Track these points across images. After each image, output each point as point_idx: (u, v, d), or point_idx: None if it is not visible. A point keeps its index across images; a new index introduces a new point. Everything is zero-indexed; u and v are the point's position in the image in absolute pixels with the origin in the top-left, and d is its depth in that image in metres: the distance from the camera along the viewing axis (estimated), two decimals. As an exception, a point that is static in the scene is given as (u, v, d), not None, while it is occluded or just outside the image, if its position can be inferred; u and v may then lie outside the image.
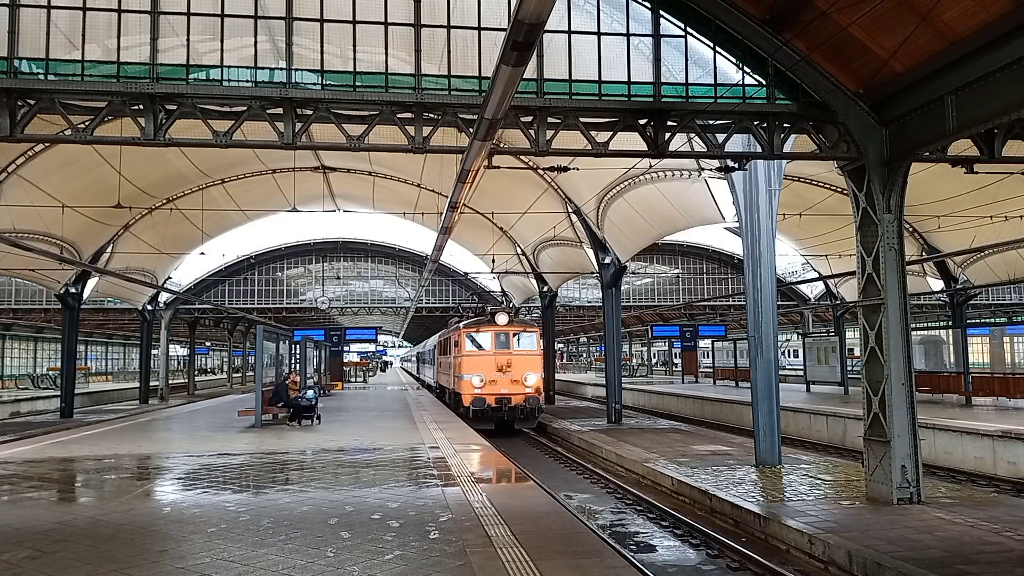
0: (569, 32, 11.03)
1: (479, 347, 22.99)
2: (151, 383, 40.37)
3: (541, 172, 23.63)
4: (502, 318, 23.14)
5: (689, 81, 11.20)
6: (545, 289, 33.60)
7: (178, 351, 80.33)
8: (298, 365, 24.38)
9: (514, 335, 23.11)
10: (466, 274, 44.53)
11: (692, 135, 11.64)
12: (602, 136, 11.00)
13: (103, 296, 39.06)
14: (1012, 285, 38.23)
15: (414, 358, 72.42)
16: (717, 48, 11.20)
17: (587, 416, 25.88)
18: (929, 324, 39.95)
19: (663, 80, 11.14)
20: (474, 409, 21.77)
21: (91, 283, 31.74)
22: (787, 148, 11.59)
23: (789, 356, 62.73)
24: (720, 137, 11.32)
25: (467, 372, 22.64)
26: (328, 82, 10.70)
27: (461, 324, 24.61)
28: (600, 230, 24.26)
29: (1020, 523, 9.25)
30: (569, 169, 13.08)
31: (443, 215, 17.10)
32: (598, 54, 11.06)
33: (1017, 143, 10.66)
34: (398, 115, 10.58)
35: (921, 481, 10.50)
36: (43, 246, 24.15)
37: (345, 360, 48.92)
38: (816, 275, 38.00)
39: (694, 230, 33.34)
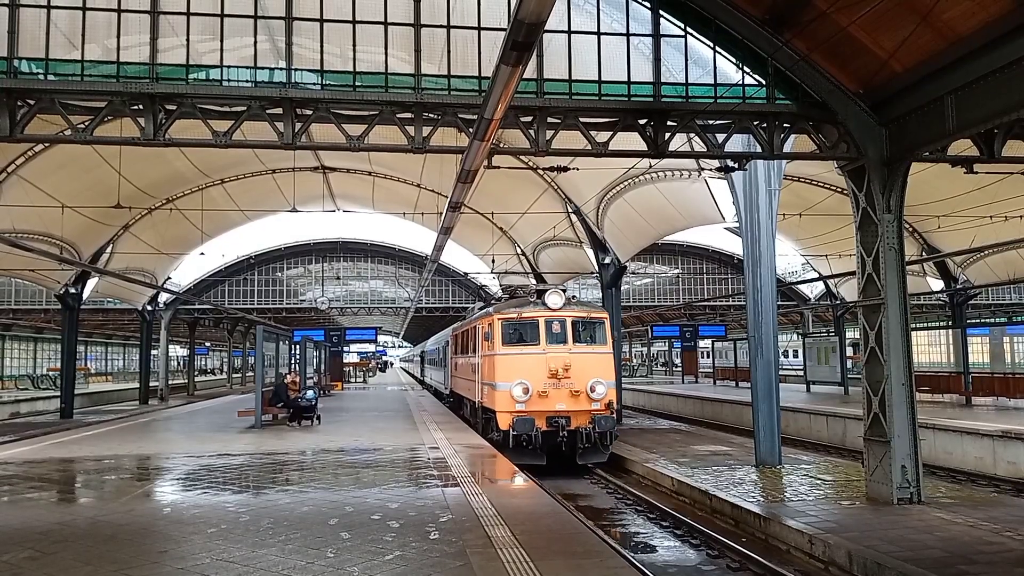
0: (569, 32, 11.03)
1: (522, 341, 15.98)
2: (151, 383, 40.37)
3: (541, 172, 23.63)
4: (555, 299, 16.02)
5: (689, 81, 11.20)
6: (545, 289, 33.55)
7: (178, 351, 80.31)
8: (298, 366, 24.37)
9: (575, 324, 16.00)
10: (466, 274, 44.54)
11: (692, 135, 11.64)
12: (602, 136, 11.00)
13: (103, 296, 39.06)
14: (1012, 285, 38.24)
15: (417, 358, 62.02)
16: (717, 48, 11.20)
17: (587, 416, 25.79)
18: (929, 324, 39.98)
19: (663, 80, 11.14)
20: (516, 434, 14.91)
21: (91, 283, 31.76)
22: (787, 148, 11.59)
23: (792, 356, 62.73)
24: (720, 137, 11.32)
25: (504, 379, 15.59)
26: (328, 82, 10.70)
27: (491, 308, 17.81)
28: (600, 230, 24.26)
29: (1020, 523, 9.25)
30: (569, 169, 13.09)
31: (443, 215, 17.08)
32: (598, 54, 11.06)
33: (1017, 143, 10.66)
34: (398, 115, 10.58)
35: (921, 481, 10.50)
36: (43, 246, 24.15)
37: (345, 360, 48.90)
38: (816, 275, 38.03)
39: (694, 230, 33.37)
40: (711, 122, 11.25)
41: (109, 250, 30.10)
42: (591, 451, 15.52)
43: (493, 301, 19.32)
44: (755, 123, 11.15)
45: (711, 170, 16.65)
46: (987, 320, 42.32)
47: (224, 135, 10.44)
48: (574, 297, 17.55)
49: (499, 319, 16.27)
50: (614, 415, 15.82)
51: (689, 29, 11.28)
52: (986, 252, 28.34)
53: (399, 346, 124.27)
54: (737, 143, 11.99)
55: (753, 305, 13.98)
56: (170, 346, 50.16)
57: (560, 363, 15.36)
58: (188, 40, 10.44)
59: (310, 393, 20.05)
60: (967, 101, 9.30)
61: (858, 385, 14.18)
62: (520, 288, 19.26)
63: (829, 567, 8.52)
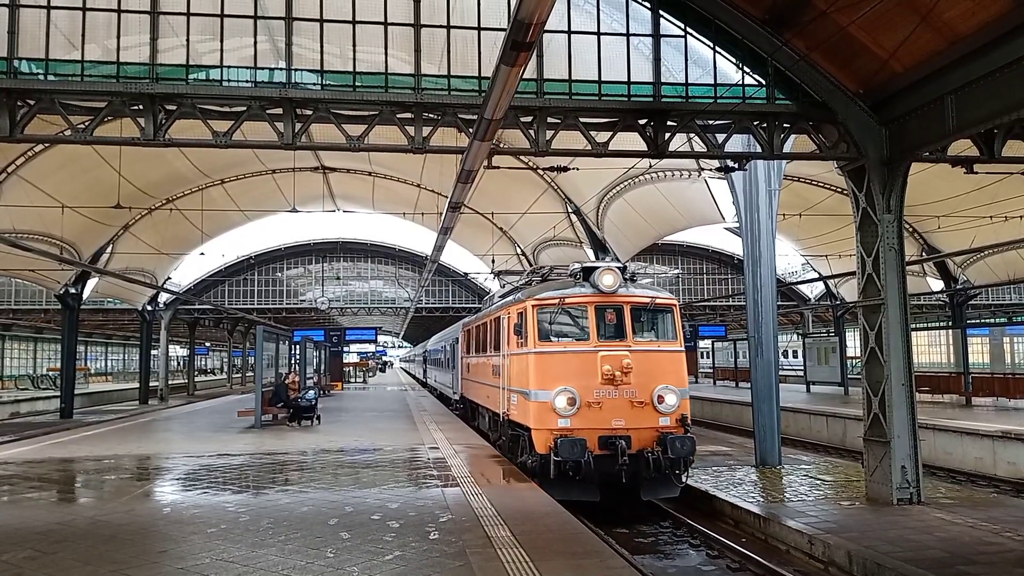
0: (569, 32, 11.03)
1: (564, 335, 12.03)
2: (151, 384, 40.38)
3: (541, 172, 23.67)
4: (609, 278, 11.94)
5: (689, 81, 11.20)
6: (545, 289, 33.52)
7: (178, 352, 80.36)
8: (297, 366, 24.38)
9: (636, 312, 12.12)
10: (466, 274, 44.58)
11: (692, 135, 11.64)
12: (602, 136, 11.00)
13: (103, 296, 39.08)
14: (1012, 285, 38.26)
15: (419, 357, 56.06)
16: (717, 48, 11.20)
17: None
18: (929, 324, 39.97)
19: (663, 80, 11.14)
20: (558, 460, 10.90)
21: (91, 283, 31.78)
22: (787, 148, 11.59)
23: (793, 356, 62.73)
24: (720, 137, 11.32)
25: (541, 386, 11.63)
26: (328, 82, 10.70)
27: (521, 293, 13.33)
28: (600, 230, 24.28)
29: (1020, 523, 9.25)
30: (569, 169, 13.07)
31: (443, 215, 17.09)
32: (598, 54, 11.05)
33: (1017, 143, 10.65)
34: (398, 115, 10.58)
35: (921, 481, 10.49)
36: (43, 246, 24.17)
37: (345, 361, 48.90)
38: (816, 275, 38.06)
39: (694, 230, 33.40)
40: (711, 122, 11.25)
41: (109, 250, 30.13)
42: (659, 483, 11.55)
43: (520, 285, 15.11)
44: (755, 123, 11.15)
45: (711, 170, 16.66)
46: (987, 320, 42.32)
47: (224, 135, 10.44)
48: (634, 275, 13.21)
49: (534, 305, 12.05)
50: (691, 434, 11.83)
51: (689, 29, 11.28)
52: (986, 252, 28.36)
53: (399, 346, 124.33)
54: (737, 143, 11.99)
55: (753, 305, 13.98)
56: (170, 346, 50.16)
57: (617, 364, 11.50)
58: (188, 40, 10.44)
59: (310, 393, 20.05)
60: (967, 101, 9.29)
61: (858, 385, 14.17)
62: (557, 267, 14.88)
63: (829, 567, 8.52)
